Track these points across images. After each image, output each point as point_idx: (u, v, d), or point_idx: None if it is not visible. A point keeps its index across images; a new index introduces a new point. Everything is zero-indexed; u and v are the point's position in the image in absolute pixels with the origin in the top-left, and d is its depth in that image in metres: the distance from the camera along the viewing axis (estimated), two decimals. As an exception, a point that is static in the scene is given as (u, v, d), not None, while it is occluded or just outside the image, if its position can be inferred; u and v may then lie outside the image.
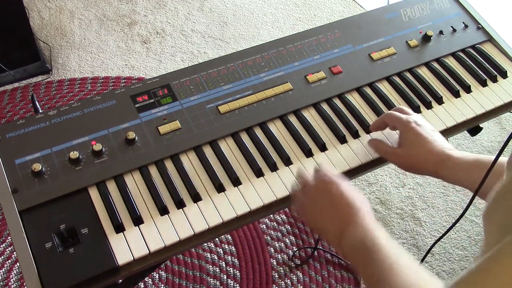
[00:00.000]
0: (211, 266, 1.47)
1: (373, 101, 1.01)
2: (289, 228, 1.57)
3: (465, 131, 1.07)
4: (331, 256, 1.52)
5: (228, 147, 0.91)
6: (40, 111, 0.92)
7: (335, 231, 0.71)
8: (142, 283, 1.42)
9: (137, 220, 0.80)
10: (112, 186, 0.83)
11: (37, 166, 0.81)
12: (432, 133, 0.84)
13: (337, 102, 1.00)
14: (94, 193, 0.82)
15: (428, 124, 0.88)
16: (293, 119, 0.96)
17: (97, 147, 0.84)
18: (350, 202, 0.72)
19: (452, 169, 0.78)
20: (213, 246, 1.51)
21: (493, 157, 0.70)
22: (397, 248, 0.66)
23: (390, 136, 0.95)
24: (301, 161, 0.91)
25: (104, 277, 0.74)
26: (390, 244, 0.66)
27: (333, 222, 0.72)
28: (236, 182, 0.86)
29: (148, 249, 0.77)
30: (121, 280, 0.83)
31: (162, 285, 1.42)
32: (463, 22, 1.16)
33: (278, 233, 1.56)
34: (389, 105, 1.00)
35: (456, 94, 1.05)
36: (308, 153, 0.92)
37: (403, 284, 0.60)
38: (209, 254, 1.49)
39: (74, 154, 0.83)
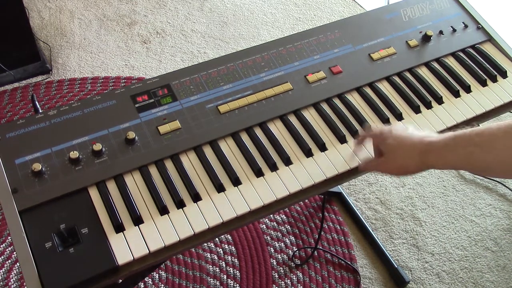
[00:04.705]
0: (211, 266, 1.47)
1: (373, 101, 1.01)
2: (289, 228, 1.57)
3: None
4: (331, 256, 1.52)
5: (228, 147, 0.91)
6: (40, 111, 0.92)
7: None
8: (142, 283, 1.42)
9: (137, 220, 0.80)
10: (112, 186, 0.83)
11: (37, 166, 0.81)
12: (406, 130, 0.84)
13: (337, 102, 1.00)
14: (94, 193, 0.82)
15: (398, 124, 0.93)
16: (293, 119, 0.96)
17: (97, 147, 0.84)
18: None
19: (437, 154, 0.78)
20: (213, 246, 1.51)
21: (468, 128, 0.76)
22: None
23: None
24: (301, 161, 0.91)
25: (104, 277, 0.75)
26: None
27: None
28: (236, 182, 0.86)
29: (148, 249, 0.77)
30: (121, 280, 0.83)
31: (162, 285, 1.42)
32: (463, 22, 1.16)
33: (278, 233, 1.56)
34: (389, 105, 1.01)
35: (456, 94, 1.05)
36: (308, 153, 0.92)
37: None
38: (209, 254, 1.49)
39: (74, 154, 0.83)
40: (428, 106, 1.02)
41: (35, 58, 1.98)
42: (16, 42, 1.90)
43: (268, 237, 1.55)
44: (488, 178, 1.77)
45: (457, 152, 0.75)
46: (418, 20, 1.15)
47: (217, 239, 1.52)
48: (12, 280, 1.40)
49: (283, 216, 1.60)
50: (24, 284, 1.36)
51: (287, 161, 0.90)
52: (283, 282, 1.46)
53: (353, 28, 1.11)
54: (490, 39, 1.16)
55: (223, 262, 1.48)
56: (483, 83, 1.07)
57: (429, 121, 0.99)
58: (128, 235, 0.78)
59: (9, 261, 1.43)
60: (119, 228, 0.78)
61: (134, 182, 0.84)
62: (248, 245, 1.52)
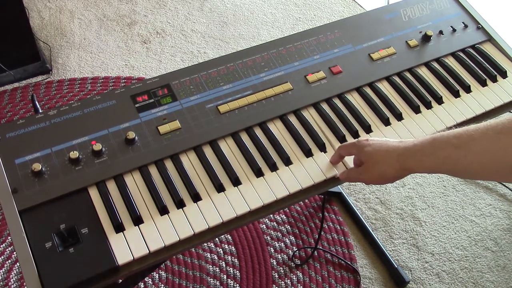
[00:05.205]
0: (211, 266, 1.47)
1: (373, 101, 1.01)
2: (289, 228, 1.57)
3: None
4: (331, 256, 1.52)
5: (228, 147, 0.91)
6: (40, 111, 0.92)
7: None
8: (142, 283, 1.42)
9: (137, 220, 0.80)
10: (112, 186, 0.83)
11: (37, 166, 0.81)
12: (381, 139, 0.84)
13: (337, 102, 1.00)
14: (94, 193, 0.82)
15: (375, 136, 0.93)
16: (293, 119, 0.97)
17: (97, 147, 0.84)
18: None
19: (415, 158, 0.76)
20: (213, 246, 1.51)
21: (446, 131, 0.74)
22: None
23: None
24: (301, 161, 0.91)
25: (104, 277, 0.75)
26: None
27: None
28: (236, 182, 0.86)
29: (148, 249, 0.77)
30: (121, 280, 0.83)
31: (162, 285, 1.42)
32: (463, 22, 1.16)
33: (278, 233, 1.56)
34: (389, 105, 1.01)
35: (456, 94, 1.05)
36: (308, 153, 0.92)
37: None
38: (209, 254, 1.49)
39: (74, 154, 0.83)
40: (428, 106, 1.02)
41: (35, 58, 1.98)
42: (16, 42, 1.90)
43: (268, 237, 1.55)
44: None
45: (436, 155, 0.73)
46: (418, 20, 1.15)
47: (217, 239, 1.52)
48: (12, 280, 1.40)
49: (283, 216, 1.60)
50: (24, 284, 1.36)
51: (287, 161, 0.90)
52: (283, 282, 1.46)
53: (353, 28, 1.11)
54: (490, 39, 1.16)
55: (223, 262, 1.48)
56: (483, 83, 1.07)
57: (429, 121, 0.99)
58: (128, 235, 0.78)
59: (9, 261, 1.43)
60: (119, 228, 0.78)
61: (134, 182, 0.84)
62: (248, 245, 1.52)
